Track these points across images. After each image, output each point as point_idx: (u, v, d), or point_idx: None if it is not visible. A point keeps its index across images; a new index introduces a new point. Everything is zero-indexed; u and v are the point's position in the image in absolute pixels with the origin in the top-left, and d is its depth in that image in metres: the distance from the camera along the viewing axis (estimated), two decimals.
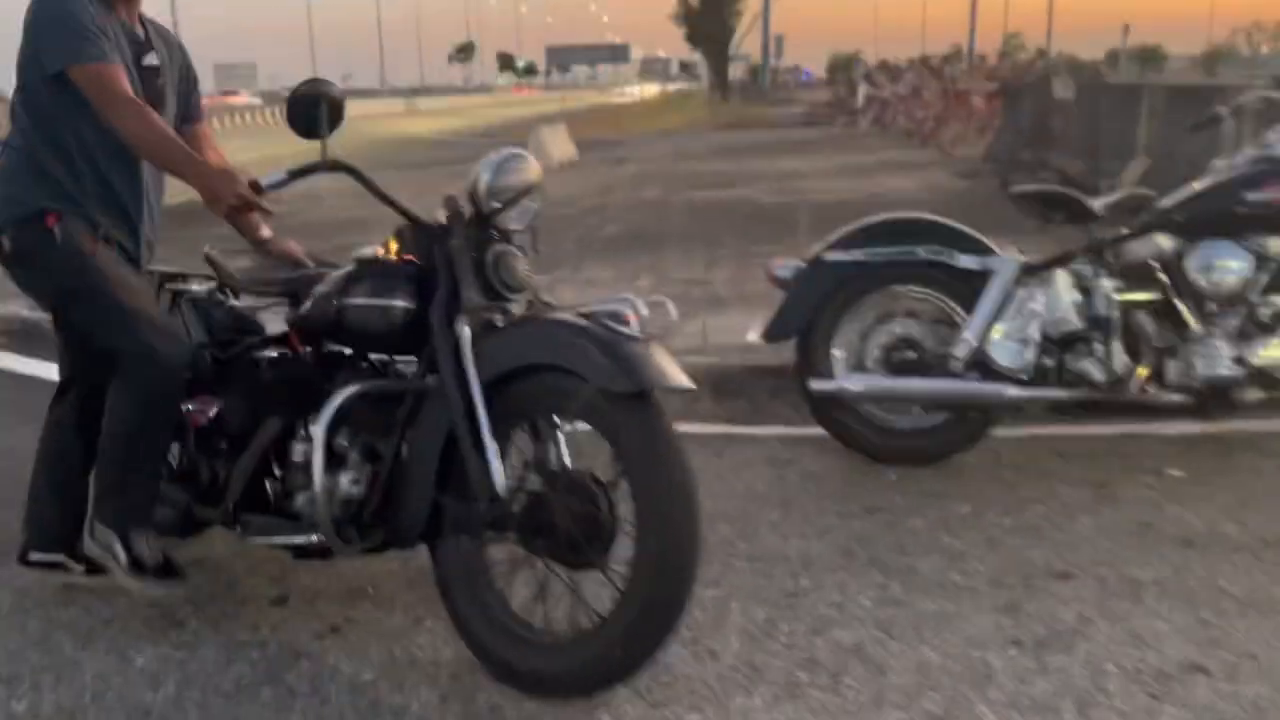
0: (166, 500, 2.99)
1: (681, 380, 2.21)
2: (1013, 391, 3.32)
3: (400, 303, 2.48)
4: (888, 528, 3.09)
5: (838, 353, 3.54)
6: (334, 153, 2.42)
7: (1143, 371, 3.30)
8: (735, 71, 50.84)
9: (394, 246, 2.58)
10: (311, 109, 2.40)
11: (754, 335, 3.65)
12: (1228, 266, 3.26)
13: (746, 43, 48.82)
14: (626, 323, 2.26)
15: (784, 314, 3.57)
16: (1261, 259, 3.26)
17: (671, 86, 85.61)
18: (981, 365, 3.35)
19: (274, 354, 2.86)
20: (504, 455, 2.34)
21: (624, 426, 2.20)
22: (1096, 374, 3.29)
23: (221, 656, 2.55)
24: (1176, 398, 3.31)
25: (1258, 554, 2.83)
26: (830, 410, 3.55)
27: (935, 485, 3.38)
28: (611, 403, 2.19)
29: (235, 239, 2.95)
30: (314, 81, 2.43)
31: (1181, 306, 3.29)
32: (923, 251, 3.43)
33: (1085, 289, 3.35)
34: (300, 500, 2.65)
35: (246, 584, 2.94)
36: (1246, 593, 2.64)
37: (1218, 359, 3.24)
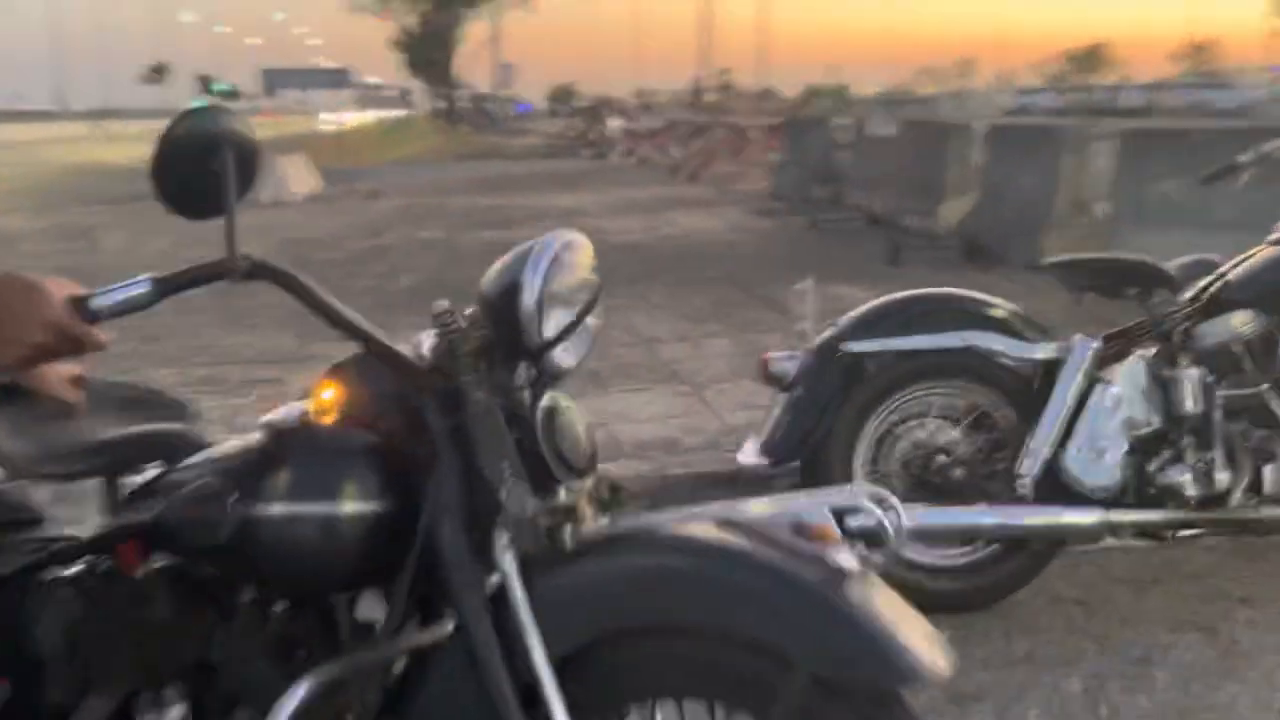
0: None
1: (942, 665, 1.27)
2: (1096, 517, 2.61)
3: (360, 506, 1.39)
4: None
5: (859, 469, 2.72)
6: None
7: (1242, 481, 2.69)
8: (459, 100, 49.74)
9: (332, 398, 1.46)
10: (200, 166, 1.28)
11: (749, 456, 2.76)
12: None
13: (467, 71, 47.96)
14: (826, 539, 1.30)
15: (790, 422, 2.71)
16: None
17: (388, 113, 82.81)
18: (1053, 483, 2.63)
19: (87, 574, 1.65)
20: None
21: None
22: (1190, 488, 2.64)
23: None
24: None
25: None
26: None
27: (1010, 646, 2.60)
28: (827, 696, 1.23)
29: None
30: (197, 113, 1.31)
31: (1277, 401, 2.71)
32: (965, 338, 2.68)
33: (1162, 380, 2.71)
34: None
35: None
36: None
37: None
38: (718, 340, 5.35)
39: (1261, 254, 2.82)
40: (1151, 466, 2.67)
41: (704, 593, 1.27)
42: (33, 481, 1.70)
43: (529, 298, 1.35)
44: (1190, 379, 2.67)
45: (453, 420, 1.36)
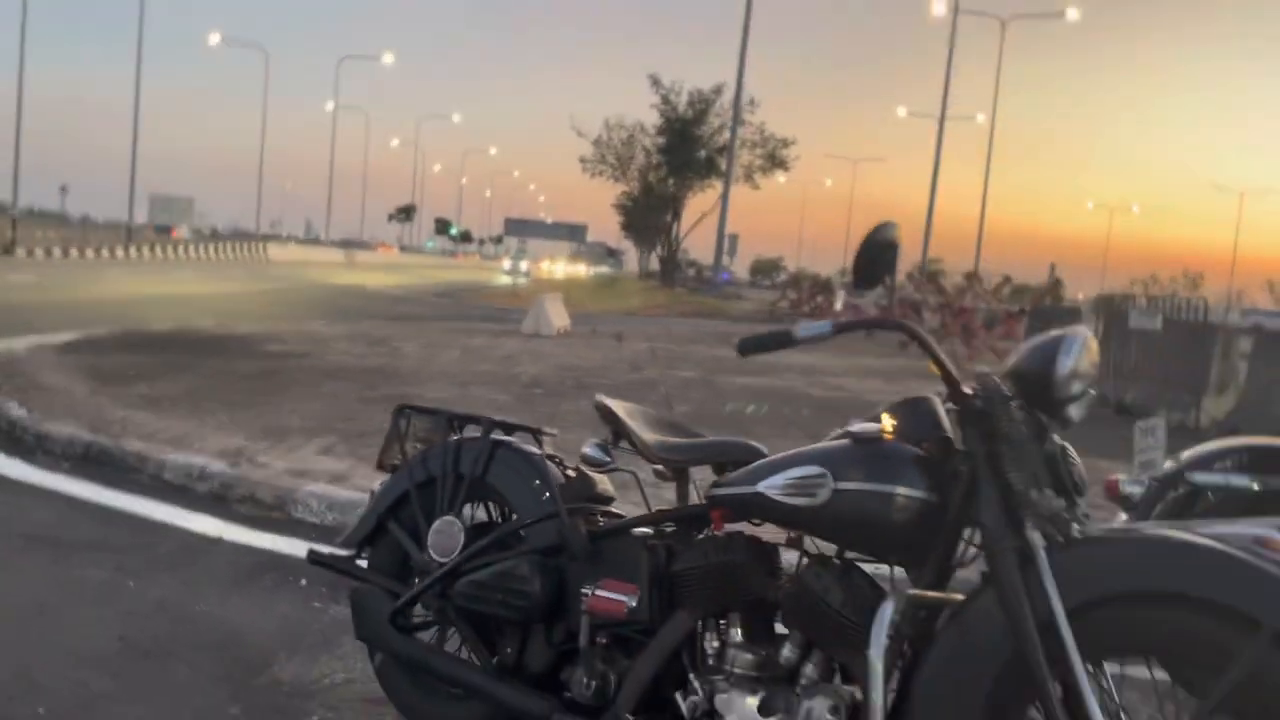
0: (498, 700, 2.41)
1: None
2: None
3: (912, 492, 2.04)
4: None
5: None
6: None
7: None
8: (653, 263, 52.17)
9: (892, 424, 2.14)
10: (884, 253, 2.01)
11: None
12: None
13: (687, 239, 50.44)
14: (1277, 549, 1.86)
15: None
16: None
17: (595, 268, 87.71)
18: None
19: (683, 533, 2.36)
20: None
21: None
22: None
23: None
24: None
25: None
26: None
27: None
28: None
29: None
30: (884, 227, 2.05)
31: None
32: None
33: None
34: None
35: None
36: None
37: None
38: None
39: None
40: None
41: (1191, 564, 1.82)
42: (650, 462, 2.45)
43: (1065, 365, 1.99)
44: None
45: (986, 446, 1.99)
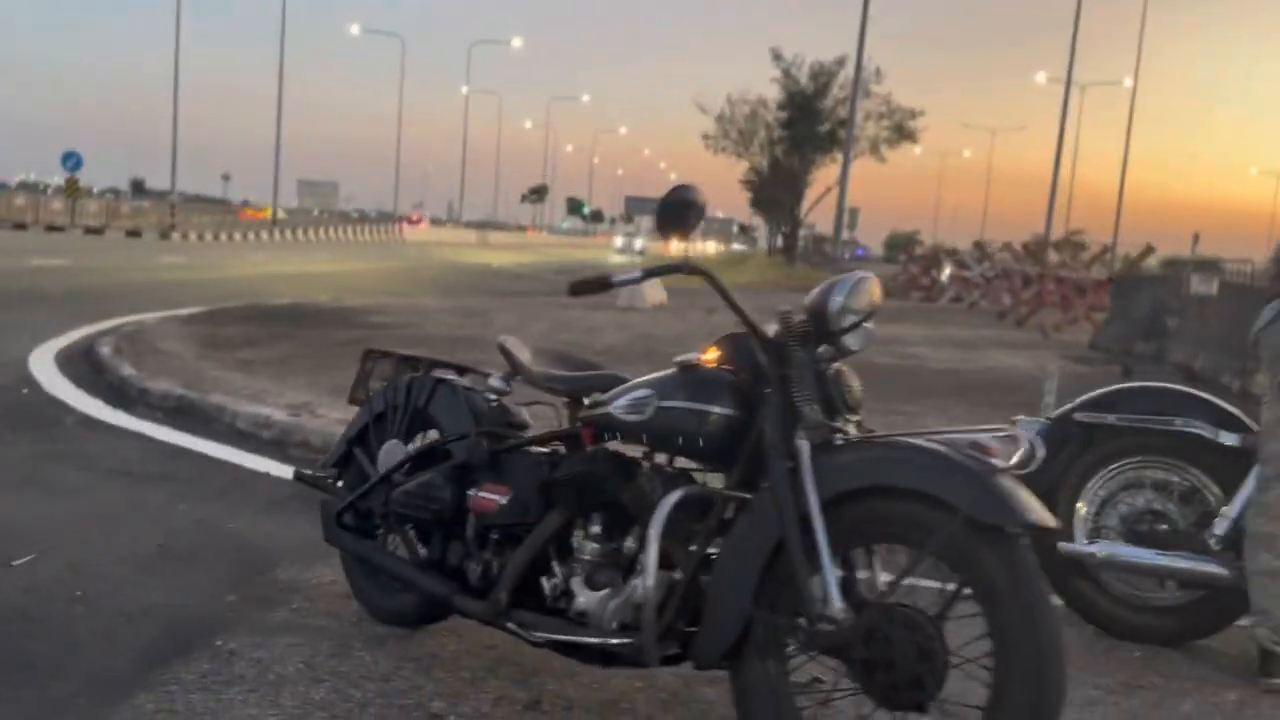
0: (418, 588, 2.94)
1: (1049, 520, 2.15)
2: None
3: (721, 409, 2.46)
4: (1155, 707, 2.94)
5: (1082, 513, 3.46)
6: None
7: None
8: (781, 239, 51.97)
9: (714, 354, 2.57)
10: (681, 211, 2.44)
11: None
12: None
13: (813, 213, 50.08)
14: (992, 454, 2.22)
15: (1027, 474, 3.50)
16: None
17: (732, 246, 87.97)
18: (1237, 543, 3.24)
19: (562, 449, 2.84)
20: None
21: (988, 563, 2.13)
22: None
23: None
24: None
25: None
26: (1069, 576, 3.44)
27: (1189, 668, 3.22)
28: (976, 536, 2.13)
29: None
30: (682, 188, 2.48)
31: None
32: (1181, 423, 3.38)
33: None
34: (587, 600, 2.58)
35: (491, 683, 2.84)
36: None
37: None
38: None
39: None
40: None
41: (915, 469, 2.20)
42: (535, 394, 2.93)
43: (836, 301, 2.39)
44: None
45: (784, 368, 2.40)
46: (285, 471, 4.99)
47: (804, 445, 2.32)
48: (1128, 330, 11.01)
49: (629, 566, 2.59)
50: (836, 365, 2.43)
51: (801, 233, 52.71)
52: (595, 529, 2.67)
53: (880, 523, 2.29)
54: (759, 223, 65.85)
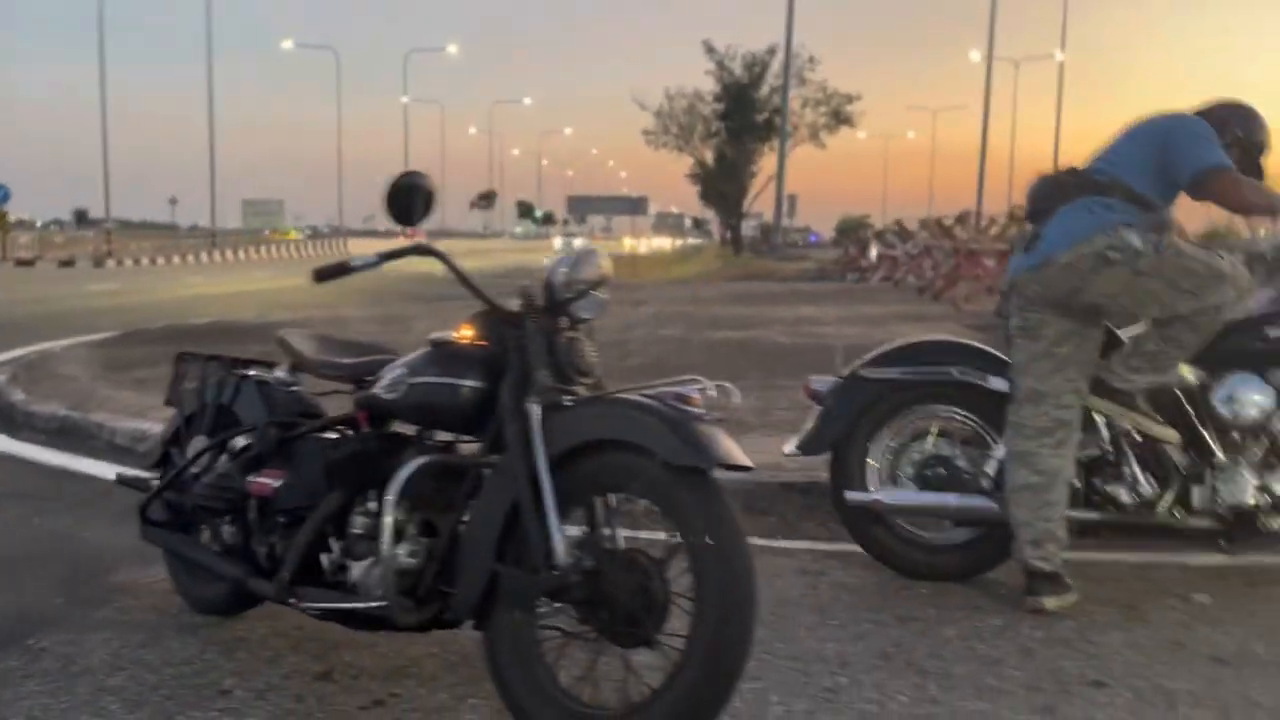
0: (219, 574, 3.08)
1: (743, 460, 2.33)
2: None
3: (470, 382, 2.62)
4: (922, 635, 3.14)
5: (873, 463, 3.66)
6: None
7: (1169, 496, 3.40)
8: (747, 229, 52.34)
9: (468, 331, 2.73)
10: (407, 197, 2.60)
11: (790, 447, 3.77)
12: (1250, 400, 3.40)
13: (759, 203, 50.46)
14: (692, 404, 2.39)
15: (820, 427, 3.70)
16: None
17: (683, 241, 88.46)
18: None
19: (337, 432, 2.99)
20: (565, 529, 2.44)
21: (687, 502, 2.31)
22: (1124, 497, 3.39)
23: None
24: (1203, 523, 3.40)
25: None
26: (863, 523, 3.64)
27: (966, 599, 3.43)
28: (676, 478, 2.31)
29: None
30: (410, 174, 2.64)
31: (1206, 435, 3.42)
32: (956, 372, 3.58)
33: (1111, 416, 3.48)
34: (357, 571, 2.73)
35: (290, 659, 2.98)
36: (1278, 704, 2.68)
37: (1243, 486, 3.35)
38: None
39: None
40: (1095, 480, 3.43)
41: (619, 421, 2.38)
42: (316, 381, 3.08)
43: (560, 273, 2.56)
44: (1133, 415, 3.43)
45: (518, 339, 2.57)
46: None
47: (534, 408, 2.49)
48: None
49: (400, 536, 2.74)
50: (569, 334, 2.59)
51: (752, 223, 53.09)
52: (370, 505, 2.82)
53: (605, 474, 2.46)
54: (711, 215, 66.19)
